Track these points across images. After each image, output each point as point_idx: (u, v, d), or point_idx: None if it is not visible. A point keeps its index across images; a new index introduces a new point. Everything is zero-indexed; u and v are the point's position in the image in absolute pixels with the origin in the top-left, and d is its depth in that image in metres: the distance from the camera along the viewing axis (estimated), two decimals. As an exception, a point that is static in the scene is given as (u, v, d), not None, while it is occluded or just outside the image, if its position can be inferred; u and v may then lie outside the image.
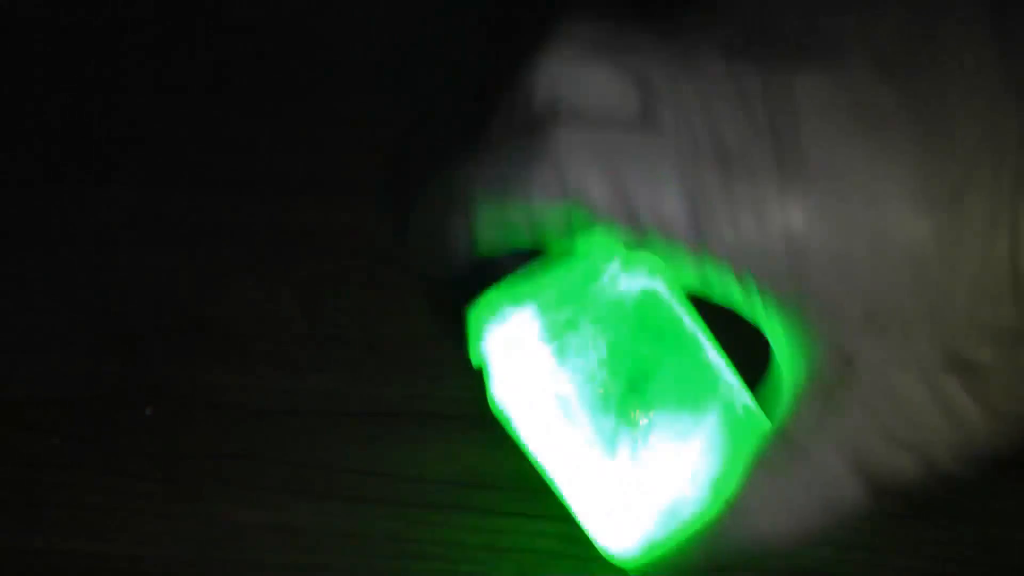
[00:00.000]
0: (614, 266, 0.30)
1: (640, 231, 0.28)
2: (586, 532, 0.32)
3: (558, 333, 0.30)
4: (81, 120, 0.44)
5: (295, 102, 0.44)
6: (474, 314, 0.31)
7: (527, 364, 0.30)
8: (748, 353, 0.31)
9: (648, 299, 0.30)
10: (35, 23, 0.46)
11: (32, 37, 0.45)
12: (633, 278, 0.30)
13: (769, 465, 0.29)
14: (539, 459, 0.31)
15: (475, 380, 0.38)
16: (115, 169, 0.43)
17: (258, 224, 0.42)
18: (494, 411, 0.31)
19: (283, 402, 0.39)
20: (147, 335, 0.40)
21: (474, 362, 0.31)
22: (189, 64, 0.45)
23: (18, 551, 0.36)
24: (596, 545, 0.31)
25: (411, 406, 0.38)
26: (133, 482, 0.37)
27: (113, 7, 0.46)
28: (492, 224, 0.30)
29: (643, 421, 0.29)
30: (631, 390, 0.29)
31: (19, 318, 0.40)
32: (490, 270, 0.30)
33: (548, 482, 0.32)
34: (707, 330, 0.31)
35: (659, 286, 0.30)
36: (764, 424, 0.30)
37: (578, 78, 0.28)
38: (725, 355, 0.31)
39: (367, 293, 0.40)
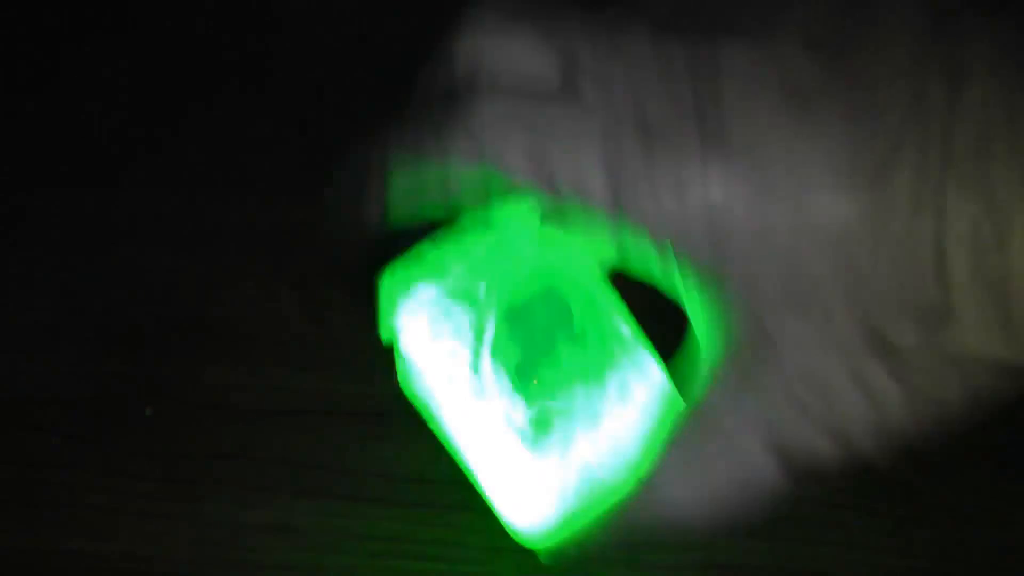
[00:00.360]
0: (528, 239, 0.29)
1: (558, 196, 0.27)
2: (500, 518, 0.31)
3: (465, 308, 0.29)
4: (81, 120, 0.44)
5: (295, 102, 0.44)
6: (383, 286, 0.30)
7: (432, 341, 0.29)
8: (668, 332, 0.30)
9: (562, 274, 0.29)
10: (35, 23, 0.46)
11: (32, 37, 0.45)
12: (548, 252, 0.29)
13: (683, 443, 0.28)
14: (450, 440, 0.31)
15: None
16: (116, 169, 0.43)
17: (258, 224, 0.42)
18: (405, 391, 0.31)
19: (283, 402, 0.39)
20: (148, 335, 0.40)
21: (384, 338, 0.31)
22: (189, 64, 0.45)
23: (18, 551, 0.36)
24: (508, 528, 0.31)
25: (412, 406, 0.38)
26: (133, 482, 0.37)
27: (114, 7, 0.46)
28: (406, 190, 0.29)
29: (549, 401, 0.29)
30: (534, 369, 0.29)
31: (19, 318, 0.40)
32: (403, 244, 0.30)
33: (462, 468, 0.31)
34: (624, 307, 0.30)
35: (575, 262, 0.30)
36: (680, 402, 0.29)
37: (499, 48, 0.28)
38: (642, 333, 0.30)
39: (366, 293, 0.40)
